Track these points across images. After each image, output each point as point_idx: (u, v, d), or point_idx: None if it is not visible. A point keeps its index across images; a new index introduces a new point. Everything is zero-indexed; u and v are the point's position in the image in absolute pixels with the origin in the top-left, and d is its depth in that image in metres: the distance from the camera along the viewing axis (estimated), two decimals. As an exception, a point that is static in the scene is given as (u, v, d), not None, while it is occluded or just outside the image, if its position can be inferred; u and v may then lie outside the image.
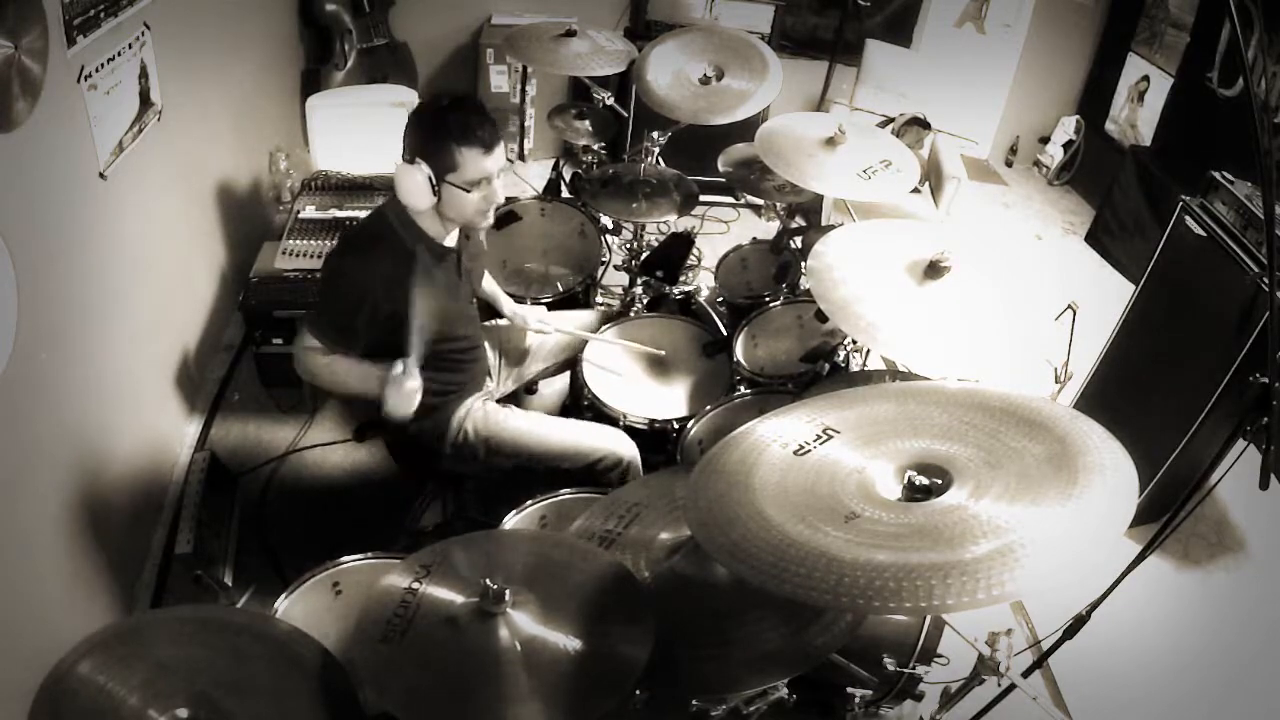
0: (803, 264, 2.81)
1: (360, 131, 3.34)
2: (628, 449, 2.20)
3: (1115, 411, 2.59)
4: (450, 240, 2.02)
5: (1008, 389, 1.44)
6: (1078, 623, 1.69)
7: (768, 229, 3.86)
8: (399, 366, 1.86)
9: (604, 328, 2.59)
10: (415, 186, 1.83)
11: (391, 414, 1.88)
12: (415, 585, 1.47)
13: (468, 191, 1.85)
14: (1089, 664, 2.20)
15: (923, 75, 4.41)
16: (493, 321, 2.47)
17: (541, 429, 2.20)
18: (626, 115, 3.69)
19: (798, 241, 3.01)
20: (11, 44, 1.74)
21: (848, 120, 2.53)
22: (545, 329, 2.43)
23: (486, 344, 2.35)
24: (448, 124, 1.80)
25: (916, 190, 3.73)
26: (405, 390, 1.85)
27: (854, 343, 2.39)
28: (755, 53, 2.88)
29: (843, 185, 2.50)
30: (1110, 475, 1.20)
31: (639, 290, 2.87)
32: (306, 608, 1.73)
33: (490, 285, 2.42)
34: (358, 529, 2.26)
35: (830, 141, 2.48)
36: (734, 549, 1.24)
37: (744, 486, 1.35)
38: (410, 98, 3.46)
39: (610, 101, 3.14)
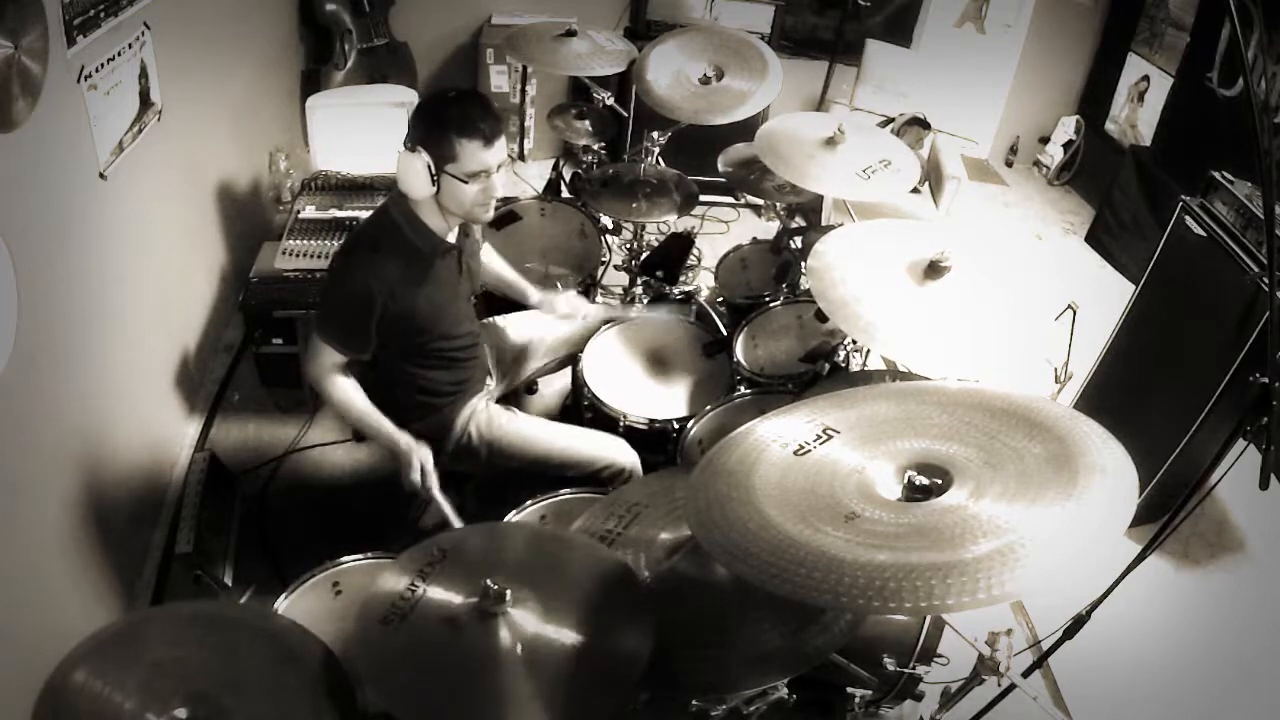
0: (803, 264, 2.81)
1: (360, 131, 3.34)
2: (629, 458, 2.21)
3: (1115, 411, 2.59)
4: (452, 236, 2.03)
5: (1008, 389, 1.44)
6: (1078, 623, 1.69)
7: (768, 229, 3.86)
8: (404, 439, 1.95)
9: (604, 327, 2.59)
10: (415, 175, 1.84)
11: (407, 484, 1.95)
12: (415, 583, 1.47)
13: (465, 183, 1.86)
14: (1089, 664, 2.20)
15: (923, 75, 4.42)
16: (490, 319, 2.47)
17: (545, 436, 2.21)
18: (626, 115, 3.69)
19: (798, 241, 3.01)
20: (11, 44, 1.74)
21: (848, 120, 2.53)
22: (575, 315, 2.42)
23: (485, 342, 2.36)
24: (450, 115, 1.82)
25: (916, 190, 3.73)
26: (414, 462, 1.94)
27: (854, 343, 2.39)
28: (755, 53, 2.89)
29: (843, 185, 2.50)
30: (1110, 475, 1.20)
31: (639, 290, 2.87)
32: (306, 608, 1.73)
33: (511, 273, 2.43)
34: (358, 529, 2.26)
35: (830, 141, 2.48)
36: (734, 549, 1.24)
37: (744, 486, 1.35)
38: (410, 98, 3.46)
39: (610, 101, 3.14)
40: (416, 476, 1.94)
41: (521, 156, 4.53)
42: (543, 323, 2.51)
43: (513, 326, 2.49)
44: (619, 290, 3.27)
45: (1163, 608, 2.53)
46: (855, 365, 2.56)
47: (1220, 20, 3.78)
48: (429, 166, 1.83)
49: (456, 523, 1.87)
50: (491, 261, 2.42)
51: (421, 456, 1.95)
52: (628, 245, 3.12)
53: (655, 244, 3.12)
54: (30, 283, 1.81)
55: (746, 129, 2.82)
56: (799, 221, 3.88)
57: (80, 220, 2.14)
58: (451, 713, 1.31)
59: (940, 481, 1.30)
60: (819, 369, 2.36)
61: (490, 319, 2.48)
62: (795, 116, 2.86)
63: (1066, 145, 4.95)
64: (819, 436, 1.43)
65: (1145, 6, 4.42)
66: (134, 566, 2.41)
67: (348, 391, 1.99)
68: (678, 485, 1.85)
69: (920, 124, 4.12)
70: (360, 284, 1.89)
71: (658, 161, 2.99)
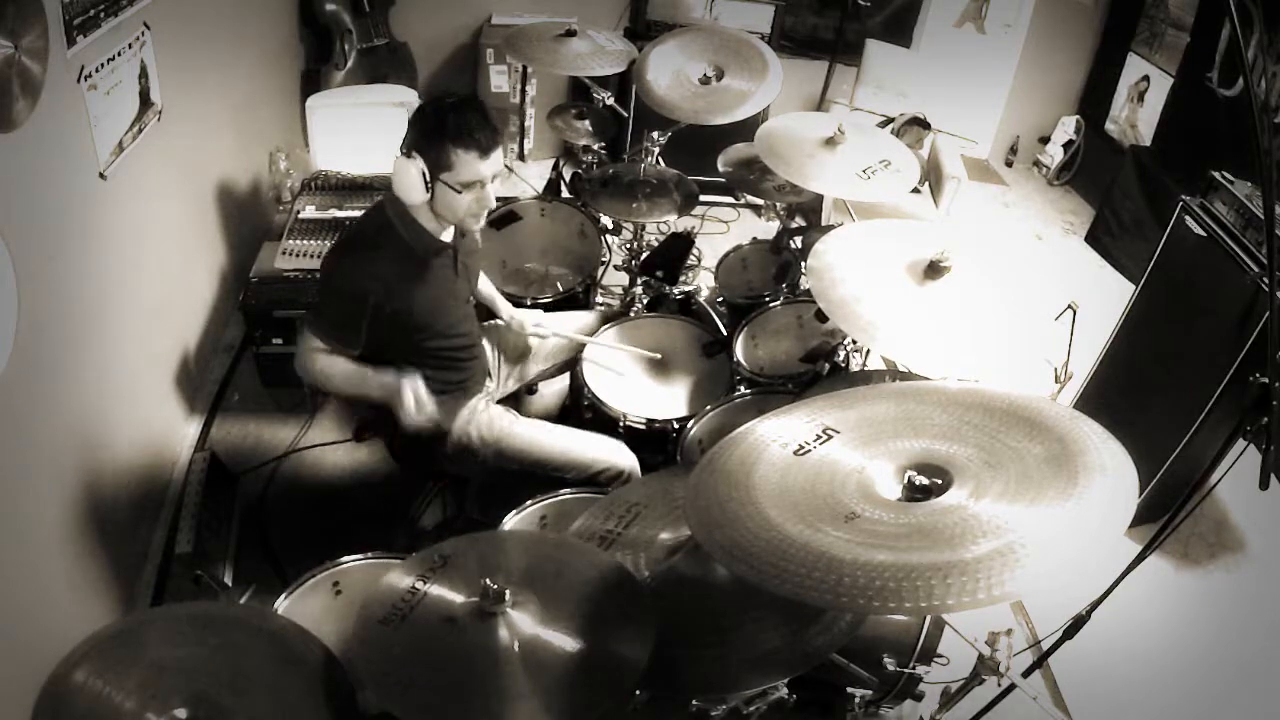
0: (803, 264, 2.81)
1: (360, 131, 3.34)
2: (628, 461, 2.21)
3: (1115, 411, 2.59)
4: (447, 236, 2.02)
5: (1008, 389, 1.44)
6: (1078, 623, 1.69)
7: (768, 229, 3.86)
8: (389, 376, 1.94)
9: (604, 328, 2.58)
10: (410, 181, 1.84)
11: (408, 422, 1.93)
12: (417, 585, 1.47)
13: (459, 193, 1.86)
14: (1089, 664, 2.20)
15: (923, 75, 4.41)
16: (491, 321, 2.47)
17: (545, 438, 2.21)
18: (626, 115, 3.69)
19: (798, 241, 3.01)
20: (11, 44, 1.74)
21: (848, 120, 2.53)
22: (542, 333, 2.44)
23: (485, 343, 2.35)
24: (446, 123, 1.81)
25: (916, 190, 3.73)
26: (413, 395, 1.92)
27: (854, 343, 2.39)
28: (755, 53, 2.88)
29: (843, 185, 2.50)
30: (1110, 475, 1.20)
31: (639, 290, 2.87)
32: (306, 608, 1.74)
33: (488, 288, 2.42)
34: (358, 529, 2.26)
35: (830, 141, 2.48)
36: (734, 549, 1.24)
37: (744, 486, 1.35)
38: (410, 98, 3.46)
39: (610, 101, 3.14)
40: (413, 406, 1.92)
41: (521, 156, 4.53)
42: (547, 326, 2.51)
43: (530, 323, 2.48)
44: (619, 290, 3.27)
45: (1163, 608, 2.53)
46: (855, 365, 2.55)
47: (1220, 20, 3.78)
48: (424, 174, 1.83)
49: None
50: None
51: (414, 385, 1.94)
52: (628, 245, 3.12)
53: (655, 244, 3.11)
54: (30, 283, 1.81)
55: (746, 129, 2.81)
56: (799, 221, 3.88)
57: (80, 220, 2.14)
58: (451, 712, 1.31)
59: (940, 481, 1.30)
60: (819, 369, 2.36)
61: (492, 320, 2.48)
62: (795, 116, 2.86)
63: (1066, 145, 4.95)
64: (819, 436, 1.43)
65: (1145, 6, 4.42)
66: (134, 566, 2.41)
67: (331, 361, 1.97)
68: (677, 485, 1.85)
69: (920, 124, 4.12)
70: (354, 281, 1.89)
71: (658, 161, 2.99)
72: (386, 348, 1.99)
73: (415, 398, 1.93)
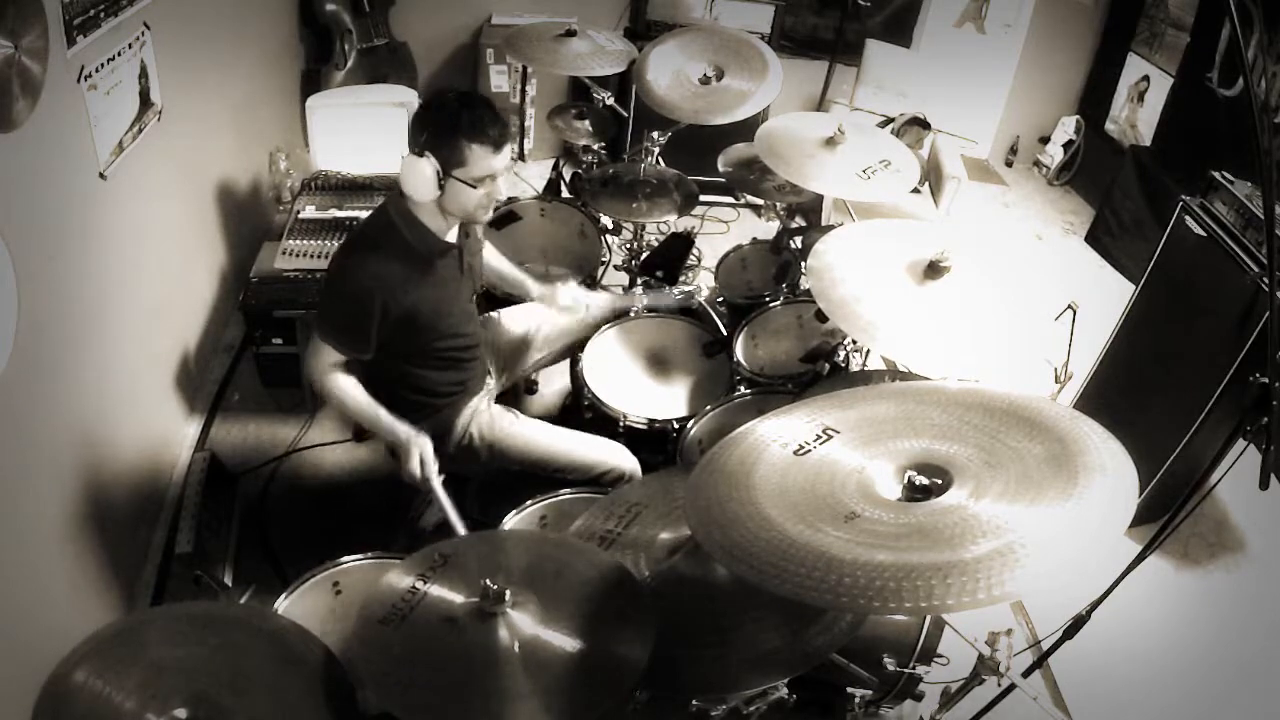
0: (803, 264, 2.81)
1: (360, 131, 3.34)
2: (629, 463, 2.21)
3: (1115, 411, 2.59)
4: (451, 236, 2.03)
5: (1008, 389, 1.44)
6: (1078, 623, 1.69)
7: (768, 229, 3.86)
8: (403, 430, 1.94)
9: (604, 327, 2.58)
10: (421, 179, 1.84)
11: (407, 478, 1.94)
12: (417, 585, 1.47)
13: (473, 187, 1.86)
14: (1089, 664, 2.20)
15: (923, 75, 4.42)
16: (484, 316, 2.47)
17: (546, 439, 2.21)
18: (626, 115, 3.69)
19: (798, 241, 3.01)
20: (11, 44, 1.74)
21: (848, 120, 2.53)
22: (578, 307, 2.40)
23: (484, 339, 2.35)
24: (460, 120, 1.82)
25: (916, 190, 3.73)
26: (419, 457, 1.93)
27: (854, 343, 2.39)
28: (755, 53, 2.89)
29: (843, 185, 2.51)
30: (1110, 475, 1.20)
31: (639, 290, 2.87)
32: (306, 608, 1.74)
33: (510, 269, 2.41)
34: (358, 529, 2.26)
35: (830, 141, 2.48)
36: (734, 549, 1.24)
37: (744, 486, 1.35)
38: (410, 98, 3.46)
39: (610, 101, 3.14)
40: (416, 467, 1.93)
41: (521, 156, 4.53)
42: (540, 315, 2.50)
43: (510, 320, 2.49)
44: (619, 290, 3.27)
45: (1163, 608, 2.53)
46: (855, 365, 2.55)
47: (1220, 20, 3.78)
48: (437, 172, 1.84)
49: (455, 518, 1.86)
50: (490, 257, 2.42)
51: (421, 446, 1.94)
52: (628, 245, 3.12)
53: (655, 244, 3.11)
54: (30, 282, 1.81)
55: (746, 129, 2.82)
56: (799, 221, 3.88)
57: (80, 220, 2.14)
58: (451, 712, 1.31)
59: (940, 481, 1.30)
60: (819, 369, 2.36)
61: (488, 314, 2.48)
62: (795, 116, 2.87)
63: (1066, 145, 4.95)
64: (819, 436, 1.43)
65: (1145, 6, 4.42)
66: (134, 566, 2.41)
67: (346, 387, 1.98)
68: (677, 485, 1.85)
69: (920, 124, 4.12)
70: (359, 284, 1.89)
71: (658, 161, 2.99)
72: (394, 350, 1.99)
73: (423, 460, 1.94)
